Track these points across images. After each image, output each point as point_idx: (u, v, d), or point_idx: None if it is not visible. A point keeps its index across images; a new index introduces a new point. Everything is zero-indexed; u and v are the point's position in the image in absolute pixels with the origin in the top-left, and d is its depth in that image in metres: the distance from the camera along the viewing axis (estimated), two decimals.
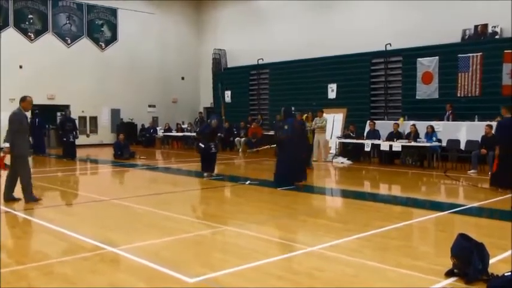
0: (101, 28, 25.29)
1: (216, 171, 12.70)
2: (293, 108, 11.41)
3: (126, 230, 6.77)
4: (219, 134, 13.50)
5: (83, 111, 24.07)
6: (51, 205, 8.67)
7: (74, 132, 17.59)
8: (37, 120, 19.67)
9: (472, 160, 13.19)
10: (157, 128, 25.46)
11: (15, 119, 8.62)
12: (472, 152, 13.43)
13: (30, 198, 8.66)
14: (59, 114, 22.82)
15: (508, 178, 9.76)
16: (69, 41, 24.19)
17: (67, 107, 20.90)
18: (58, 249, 5.86)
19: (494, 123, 13.79)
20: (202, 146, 12.30)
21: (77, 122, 19.98)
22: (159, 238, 6.16)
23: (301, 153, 11.22)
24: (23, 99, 8.86)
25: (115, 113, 25.63)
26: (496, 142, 10.54)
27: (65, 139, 17.57)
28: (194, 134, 21.95)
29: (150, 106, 27.07)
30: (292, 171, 10.85)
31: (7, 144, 8.47)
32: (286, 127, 11.10)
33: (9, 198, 8.71)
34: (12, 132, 8.53)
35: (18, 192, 8.73)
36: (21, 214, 7.85)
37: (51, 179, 12.84)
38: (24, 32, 22.81)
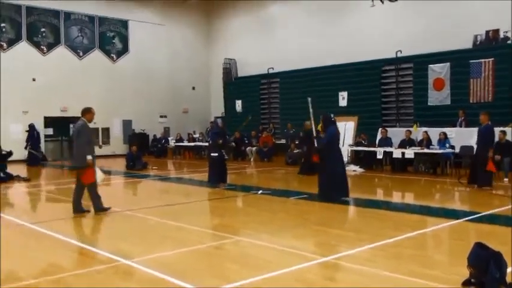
0: (113, 40, 25.56)
1: (228, 181, 12.70)
2: (332, 115, 10.43)
3: (139, 241, 6.78)
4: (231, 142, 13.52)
5: (95, 123, 23.77)
6: (64, 217, 8.71)
7: None
8: (36, 133, 20.20)
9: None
10: (169, 138, 25.56)
11: (85, 130, 8.71)
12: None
13: (100, 208, 8.72)
14: (71, 126, 22.98)
15: None
16: (81, 53, 24.46)
17: (79, 119, 21.00)
18: (72, 261, 5.89)
19: (508, 129, 13.71)
20: (216, 154, 12.27)
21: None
22: (172, 250, 6.17)
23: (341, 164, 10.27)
24: (88, 111, 8.91)
25: (127, 123, 25.80)
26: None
27: None
28: (206, 143, 22.08)
29: (161, 116, 27.22)
30: (335, 185, 9.86)
31: (90, 157, 8.54)
32: (322, 136, 10.32)
33: (79, 210, 8.76)
34: (81, 144, 8.59)
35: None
36: (35, 227, 7.89)
37: (64, 190, 12.91)
38: (37, 45, 23.11)
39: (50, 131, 23.51)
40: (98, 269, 5.44)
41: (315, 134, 10.78)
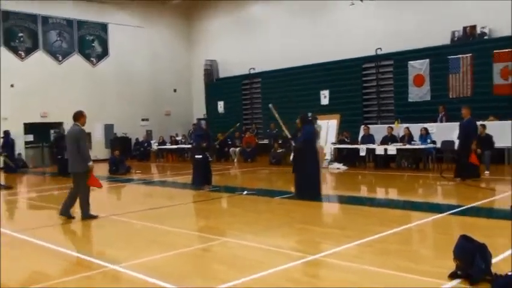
0: (92, 43, 25.32)
1: (212, 182, 12.67)
2: (309, 114, 10.68)
3: (126, 246, 6.74)
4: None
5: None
6: (49, 224, 8.61)
7: None
8: (11, 139, 19.87)
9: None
10: (152, 142, 25.42)
11: (84, 136, 8.72)
12: None
13: (88, 215, 8.67)
14: (52, 131, 22.75)
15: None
16: (60, 57, 24.18)
17: (60, 124, 20.83)
18: (58, 269, 5.82)
19: (487, 123, 13.93)
20: (200, 156, 12.23)
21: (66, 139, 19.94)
22: (160, 253, 6.13)
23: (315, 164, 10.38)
24: (81, 115, 8.90)
25: (108, 128, 25.58)
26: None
27: (59, 156, 17.50)
28: (189, 146, 22.00)
29: (143, 120, 27.06)
30: (311, 184, 10.09)
31: (91, 163, 8.60)
32: (299, 135, 10.56)
33: (66, 215, 8.71)
34: (83, 149, 8.59)
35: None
36: (18, 235, 7.77)
37: (47, 197, 12.79)
38: (15, 51, 22.80)
39: (31, 138, 23.19)
40: (86, 275, 5.39)
41: (289, 136, 11.15)
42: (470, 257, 4.40)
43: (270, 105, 11.53)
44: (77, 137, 8.66)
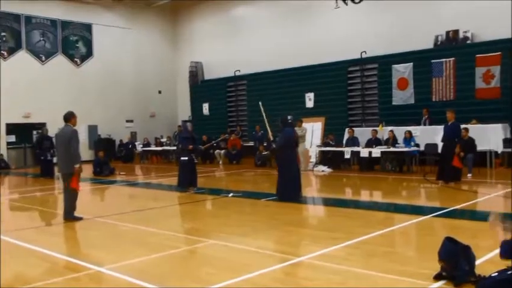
0: (76, 44, 25.09)
1: (197, 184, 12.66)
2: (290, 117, 10.72)
3: (111, 248, 6.69)
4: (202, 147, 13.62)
5: (59, 129, 23.69)
6: (32, 226, 8.52)
7: (52, 151, 17.27)
8: None
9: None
10: (136, 143, 25.26)
11: (74, 136, 8.65)
12: None
13: (73, 217, 8.61)
14: (35, 132, 22.50)
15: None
16: (43, 58, 23.93)
17: (43, 125, 20.59)
18: (42, 271, 5.75)
19: (470, 126, 14.12)
20: (186, 158, 12.20)
21: (54, 140, 19.72)
22: (146, 255, 6.10)
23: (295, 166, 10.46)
24: (73, 115, 8.92)
25: (92, 129, 25.35)
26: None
27: (42, 158, 17.33)
28: (174, 148, 21.93)
29: (127, 121, 26.89)
30: (290, 185, 10.17)
31: (78, 165, 8.56)
32: (277, 138, 10.74)
33: (72, 218, 8.67)
34: (73, 150, 8.58)
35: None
36: (2, 236, 7.67)
37: (30, 199, 12.64)
38: None
39: (13, 138, 22.90)
40: (70, 277, 5.34)
41: (271, 138, 11.29)
42: (455, 259, 4.46)
43: (260, 103, 11.72)
44: (70, 138, 8.59)
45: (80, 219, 8.68)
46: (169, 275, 5.33)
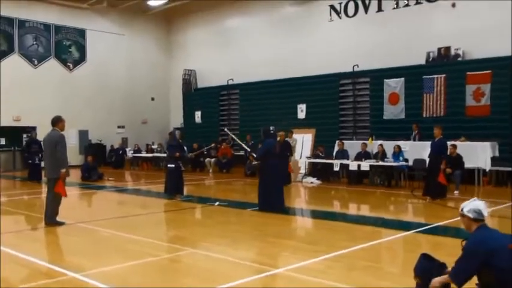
0: (69, 49, 25.03)
1: (185, 192, 12.62)
2: (272, 128, 10.97)
3: (91, 254, 6.63)
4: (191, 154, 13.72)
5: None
6: (14, 230, 8.44)
7: (40, 155, 17.15)
8: None
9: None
10: (127, 149, 25.16)
11: (61, 141, 8.59)
12: None
13: (55, 222, 8.55)
14: (25, 136, 22.35)
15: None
16: (36, 61, 23.85)
17: (33, 128, 20.51)
18: (19, 276, 5.69)
19: (458, 143, 14.16)
20: (173, 166, 12.20)
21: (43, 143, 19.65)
22: (125, 262, 6.05)
23: (279, 177, 10.74)
24: (60, 120, 8.82)
25: (83, 134, 25.23)
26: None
27: (30, 161, 17.23)
28: (164, 154, 21.85)
29: (119, 127, 26.79)
30: (270, 196, 10.29)
31: (64, 170, 8.48)
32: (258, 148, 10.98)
33: (54, 222, 8.61)
34: (60, 154, 8.51)
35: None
36: None
37: (15, 202, 12.55)
38: None
39: (2, 141, 22.77)
40: (45, 282, 5.28)
41: (247, 148, 12.34)
42: (429, 276, 4.44)
43: (226, 129, 12.27)
44: (57, 142, 8.56)
45: (62, 224, 8.61)
46: (145, 283, 5.28)
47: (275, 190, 10.33)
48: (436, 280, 4.24)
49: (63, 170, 8.54)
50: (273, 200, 10.23)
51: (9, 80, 22.37)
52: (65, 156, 8.68)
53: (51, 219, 8.59)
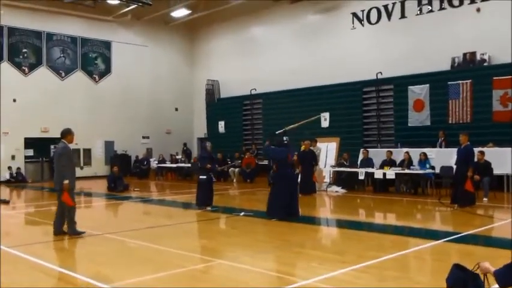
0: (95, 61, 25.49)
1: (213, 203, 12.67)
2: (285, 138, 11.32)
3: (119, 265, 6.68)
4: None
5: (76, 144, 23.70)
6: (43, 241, 8.57)
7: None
8: None
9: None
10: (151, 160, 25.39)
11: (64, 153, 8.70)
12: None
13: (75, 232, 8.64)
14: (52, 147, 22.73)
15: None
16: (63, 74, 24.33)
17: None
18: (46, 285, 5.76)
19: (486, 149, 13.91)
20: (204, 177, 12.33)
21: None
22: (153, 274, 6.08)
23: (292, 185, 10.91)
24: (68, 133, 8.89)
25: (109, 144, 25.59)
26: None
27: None
28: (189, 165, 22.03)
29: (144, 137, 27.08)
30: (278, 203, 10.52)
31: (66, 181, 8.56)
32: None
33: (60, 232, 8.72)
34: (61, 166, 8.60)
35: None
36: (12, 250, 7.72)
37: (43, 213, 12.73)
38: (19, 66, 22.95)
39: (31, 152, 23.23)
40: None
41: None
42: (463, 286, 4.34)
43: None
44: (60, 154, 8.70)
45: (82, 233, 8.70)
46: None
47: (288, 199, 10.51)
48: (486, 264, 4.14)
49: (66, 182, 8.59)
50: (281, 208, 10.39)
51: (38, 92, 22.89)
52: (68, 168, 8.70)
53: (72, 230, 8.67)
